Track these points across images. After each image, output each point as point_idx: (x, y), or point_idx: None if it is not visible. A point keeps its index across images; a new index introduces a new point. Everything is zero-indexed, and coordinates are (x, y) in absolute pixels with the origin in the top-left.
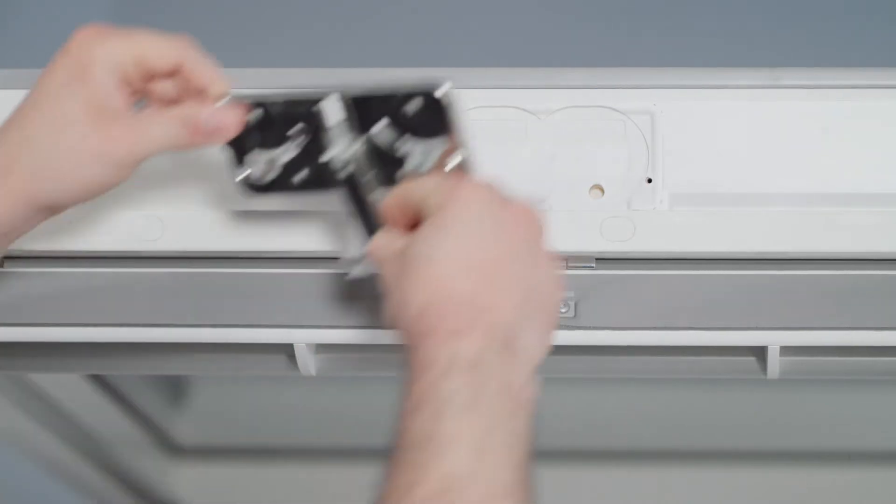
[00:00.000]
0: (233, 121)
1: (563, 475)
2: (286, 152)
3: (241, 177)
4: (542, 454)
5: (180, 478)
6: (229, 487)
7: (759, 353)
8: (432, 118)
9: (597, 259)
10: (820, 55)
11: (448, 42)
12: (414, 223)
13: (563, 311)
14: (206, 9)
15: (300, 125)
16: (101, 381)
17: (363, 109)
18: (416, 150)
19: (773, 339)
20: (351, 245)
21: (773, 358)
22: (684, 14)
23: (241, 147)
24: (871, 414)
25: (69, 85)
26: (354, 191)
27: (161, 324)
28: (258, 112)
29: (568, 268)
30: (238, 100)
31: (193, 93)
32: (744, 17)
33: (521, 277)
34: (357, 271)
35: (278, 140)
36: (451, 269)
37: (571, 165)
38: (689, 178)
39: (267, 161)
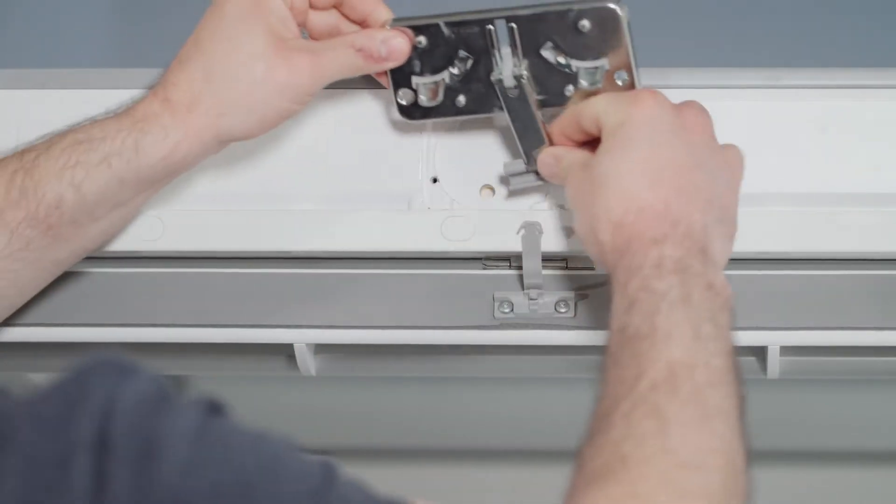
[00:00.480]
0: (404, 46)
1: (563, 475)
2: (450, 75)
3: (405, 102)
4: (542, 454)
5: None
6: None
7: (759, 353)
8: (601, 34)
9: None
10: (820, 55)
11: None
12: (585, 140)
13: (562, 311)
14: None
15: (465, 48)
16: None
17: (530, 29)
18: (583, 68)
19: (773, 339)
20: (514, 162)
21: (773, 358)
22: (684, 14)
23: (401, 72)
24: (871, 414)
25: (247, 16)
26: (522, 110)
27: (161, 324)
28: (423, 37)
29: (568, 268)
30: (399, 25)
31: (353, 22)
32: (744, 17)
33: (706, 185)
34: (520, 183)
35: (442, 63)
36: (642, 183)
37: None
38: None
39: (430, 85)
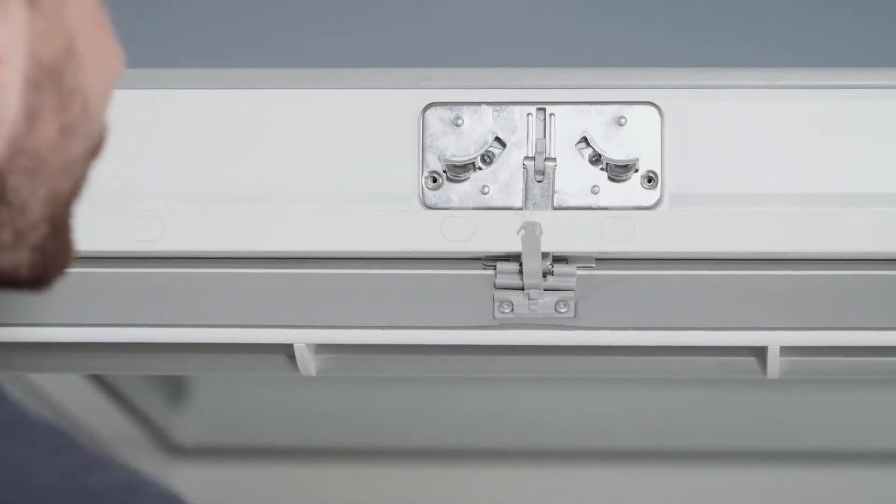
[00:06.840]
0: None
1: (563, 475)
2: (481, 157)
3: (429, 188)
4: (542, 454)
5: (180, 478)
6: (229, 487)
7: (759, 353)
8: (639, 130)
9: (597, 259)
10: (820, 55)
11: (447, 41)
12: None
13: (562, 311)
14: (206, 9)
15: (501, 130)
16: (101, 381)
17: (570, 118)
18: (613, 163)
19: (773, 339)
20: None
21: (773, 358)
22: (685, 14)
23: (434, 154)
24: (871, 414)
25: None
26: (541, 200)
27: (161, 324)
28: (463, 116)
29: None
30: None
31: None
32: (744, 17)
33: None
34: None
35: (475, 145)
36: None
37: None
38: (689, 177)
39: (460, 166)
